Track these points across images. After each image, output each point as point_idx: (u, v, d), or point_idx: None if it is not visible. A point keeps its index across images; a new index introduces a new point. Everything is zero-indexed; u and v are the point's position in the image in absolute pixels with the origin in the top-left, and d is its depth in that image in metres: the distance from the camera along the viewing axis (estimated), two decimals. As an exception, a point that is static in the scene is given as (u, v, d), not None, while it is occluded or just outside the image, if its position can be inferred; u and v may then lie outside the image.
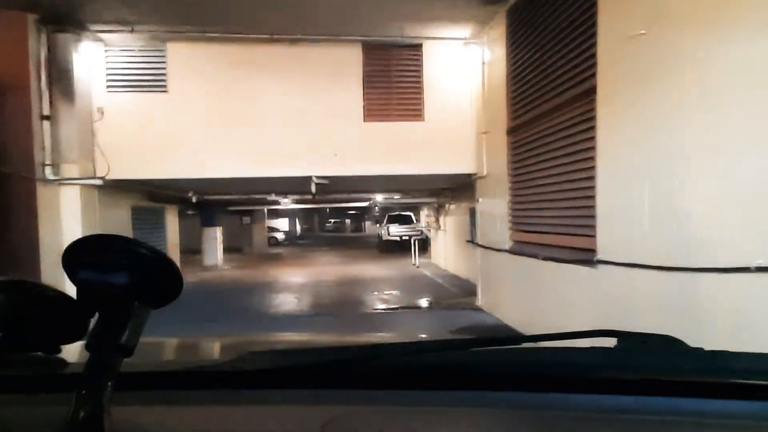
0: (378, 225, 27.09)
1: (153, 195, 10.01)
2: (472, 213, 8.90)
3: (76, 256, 0.52)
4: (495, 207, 7.29)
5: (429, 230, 15.37)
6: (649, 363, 0.74)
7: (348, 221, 48.33)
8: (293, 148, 7.78)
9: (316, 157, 7.85)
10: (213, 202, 14.60)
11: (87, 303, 0.53)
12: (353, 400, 0.70)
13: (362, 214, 48.26)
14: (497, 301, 7.49)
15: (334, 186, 9.07)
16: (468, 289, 9.43)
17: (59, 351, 0.66)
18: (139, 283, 0.52)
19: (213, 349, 1.31)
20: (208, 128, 7.70)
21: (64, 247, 0.52)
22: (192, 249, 16.06)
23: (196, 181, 8.75)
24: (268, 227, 31.88)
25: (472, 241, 8.95)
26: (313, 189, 8.50)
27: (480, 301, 8.15)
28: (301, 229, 38.44)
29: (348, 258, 18.93)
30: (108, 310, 0.52)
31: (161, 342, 1.20)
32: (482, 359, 0.78)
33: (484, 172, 7.71)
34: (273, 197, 12.55)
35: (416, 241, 16.15)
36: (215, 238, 15.60)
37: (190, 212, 15.64)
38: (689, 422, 0.64)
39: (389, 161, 7.93)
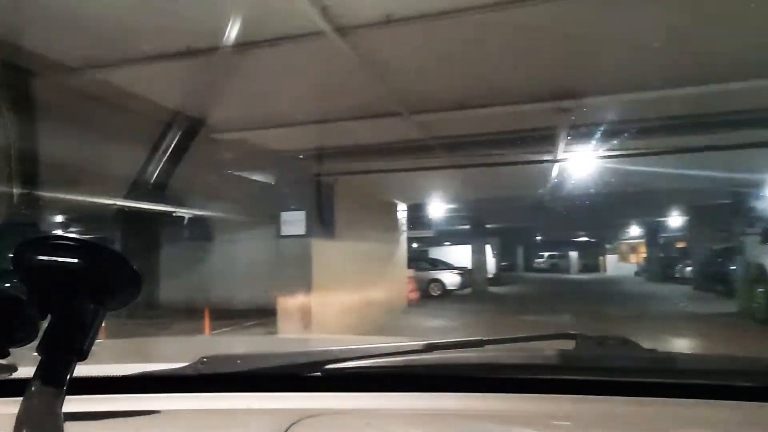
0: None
1: None
2: None
3: (28, 255, 0.48)
4: None
5: None
6: (606, 365, 0.79)
7: (574, 254, 28.85)
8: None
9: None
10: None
11: (38, 304, 0.49)
12: (315, 404, 0.71)
13: (599, 242, 28.59)
14: None
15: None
16: None
17: (8, 354, 0.54)
18: (95, 284, 0.50)
19: (171, 352, 1.33)
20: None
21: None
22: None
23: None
24: (424, 257, 15.62)
25: None
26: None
27: None
28: (498, 266, 19.99)
29: None
30: (61, 312, 0.49)
31: (118, 344, 1.30)
32: (444, 362, 0.81)
33: None
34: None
35: None
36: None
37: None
38: (645, 421, 0.69)
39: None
